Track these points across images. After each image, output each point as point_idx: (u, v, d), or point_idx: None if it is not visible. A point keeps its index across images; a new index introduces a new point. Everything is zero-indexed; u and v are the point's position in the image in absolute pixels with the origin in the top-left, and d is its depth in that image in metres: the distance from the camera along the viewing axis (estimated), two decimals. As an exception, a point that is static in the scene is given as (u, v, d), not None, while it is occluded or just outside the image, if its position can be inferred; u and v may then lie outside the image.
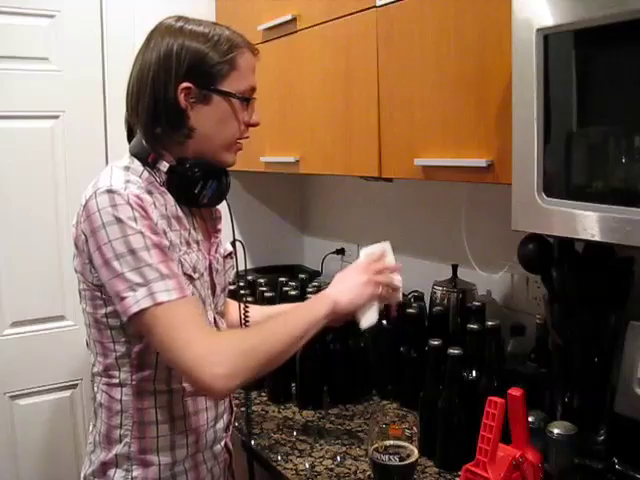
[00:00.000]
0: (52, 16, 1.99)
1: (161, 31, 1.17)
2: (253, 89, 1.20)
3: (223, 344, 1.07)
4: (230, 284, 1.43)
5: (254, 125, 1.23)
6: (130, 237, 1.04)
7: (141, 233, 1.05)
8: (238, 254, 1.37)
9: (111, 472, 1.17)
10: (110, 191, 1.06)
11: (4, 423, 2.04)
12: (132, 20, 2.10)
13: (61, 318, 2.08)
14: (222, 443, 1.29)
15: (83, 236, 1.09)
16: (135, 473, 1.16)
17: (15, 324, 2.04)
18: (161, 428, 1.17)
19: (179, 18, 1.19)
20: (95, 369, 1.20)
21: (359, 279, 1.27)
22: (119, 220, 1.05)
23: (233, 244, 1.36)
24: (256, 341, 1.12)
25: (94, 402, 1.22)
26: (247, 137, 1.23)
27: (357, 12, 1.57)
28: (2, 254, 1.99)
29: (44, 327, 2.07)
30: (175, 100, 1.13)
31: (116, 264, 1.04)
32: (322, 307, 1.20)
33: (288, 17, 1.81)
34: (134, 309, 1.03)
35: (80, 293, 1.18)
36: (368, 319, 1.29)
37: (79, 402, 2.15)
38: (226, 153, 1.21)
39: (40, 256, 2.02)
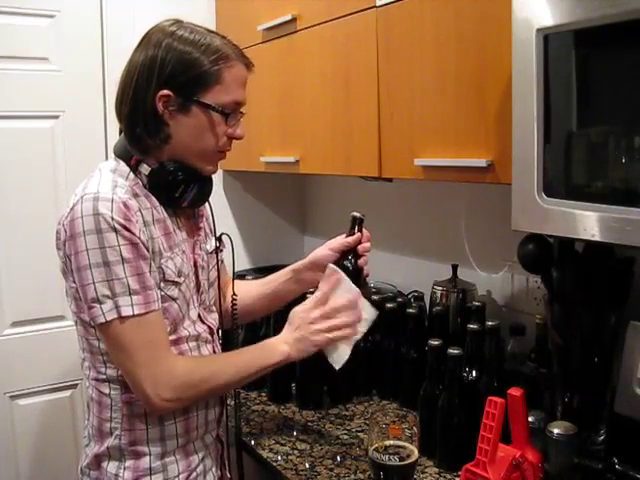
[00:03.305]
0: (52, 16, 1.99)
1: (153, 34, 1.18)
2: (238, 103, 1.20)
3: (174, 371, 1.13)
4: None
5: (237, 138, 1.22)
6: (107, 249, 1.07)
7: (117, 246, 1.08)
8: (227, 248, 1.40)
9: (104, 464, 1.21)
10: (96, 199, 1.09)
11: (4, 423, 2.04)
12: (132, 20, 2.09)
13: (61, 318, 2.08)
14: (213, 434, 1.31)
15: (63, 237, 1.13)
16: (127, 464, 1.19)
17: (15, 324, 2.03)
18: (150, 420, 1.19)
19: (175, 22, 1.19)
20: (85, 364, 1.23)
21: (308, 329, 1.26)
22: (99, 231, 1.07)
23: (219, 238, 1.37)
24: (205, 374, 1.18)
25: (87, 397, 1.25)
26: (228, 149, 1.23)
27: (357, 12, 1.57)
28: (2, 254, 1.99)
29: (44, 327, 2.07)
30: (153, 107, 1.14)
31: (88, 273, 1.08)
32: (274, 357, 1.25)
33: (288, 17, 1.81)
34: (100, 320, 1.09)
35: (66, 292, 1.22)
36: (337, 360, 1.31)
37: (79, 402, 2.14)
38: (203, 163, 1.21)
39: (40, 256, 2.01)
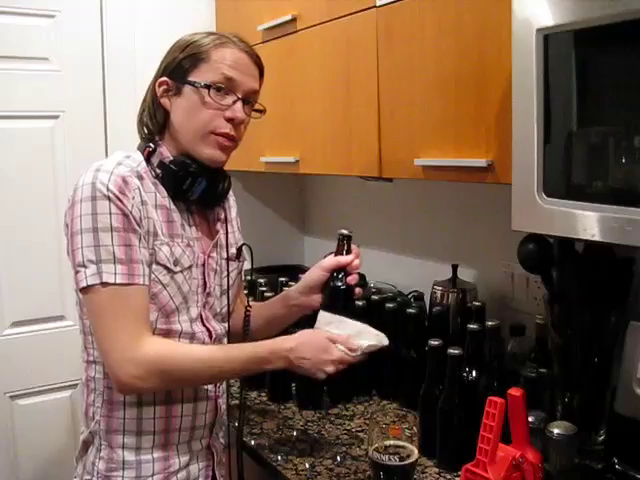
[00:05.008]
0: (52, 16, 1.99)
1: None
2: (230, 80, 1.18)
3: (146, 346, 1.11)
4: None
5: (232, 120, 1.20)
6: (98, 215, 1.10)
7: (108, 214, 1.10)
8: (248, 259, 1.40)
9: (90, 449, 1.23)
10: (98, 170, 1.13)
11: (4, 423, 2.04)
12: (132, 20, 2.10)
13: (61, 318, 2.08)
14: (203, 442, 1.28)
15: (66, 209, 1.15)
16: (102, 453, 1.20)
17: (15, 324, 2.03)
18: (128, 410, 1.19)
19: (193, 34, 1.23)
20: (81, 348, 1.24)
21: (321, 358, 1.21)
22: (93, 198, 1.10)
23: (239, 248, 1.37)
24: (178, 356, 1.15)
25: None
26: (227, 133, 1.20)
27: (357, 12, 1.57)
28: (2, 254, 1.99)
29: (44, 327, 2.07)
30: (154, 94, 1.21)
31: (78, 238, 1.10)
32: (272, 365, 1.21)
33: (288, 17, 1.81)
34: (82, 284, 1.10)
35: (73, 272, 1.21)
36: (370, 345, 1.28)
37: (79, 402, 2.13)
38: (201, 145, 1.20)
39: (40, 256, 2.02)
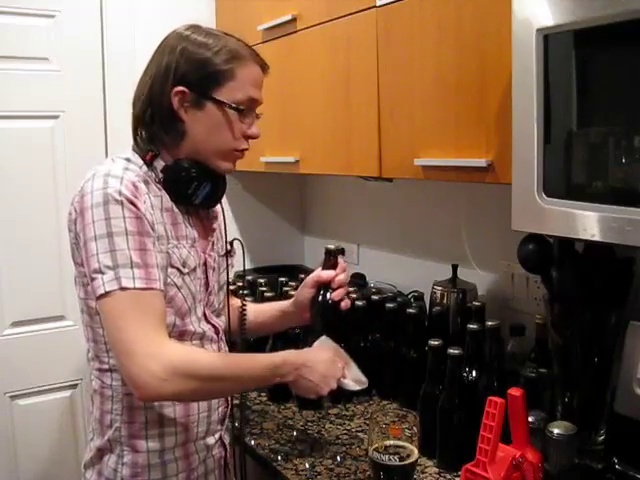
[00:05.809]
0: (52, 16, 1.99)
1: (170, 38, 1.21)
2: (252, 100, 1.20)
3: (166, 351, 1.08)
4: (230, 284, 1.44)
5: (251, 137, 1.23)
6: (112, 220, 1.08)
7: (123, 218, 1.09)
8: (238, 253, 1.40)
9: (106, 457, 1.21)
10: (107, 175, 1.12)
11: (4, 423, 2.04)
12: (132, 20, 2.10)
13: (61, 318, 2.08)
14: (216, 436, 1.30)
15: (74, 215, 1.14)
16: (126, 459, 1.19)
17: (15, 324, 2.04)
18: (149, 414, 1.19)
19: (190, 27, 1.21)
20: (89, 355, 1.23)
21: (331, 373, 1.28)
22: (106, 203, 1.09)
23: (231, 243, 1.38)
24: (197, 362, 1.12)
25: (91, 390, 1.25)
26: (246, 149, 1.23)
27: (357, 12, 1.57)
28: (2, 254, 1.99)
29: (44, 327, 2.07)
30: (169, 103, 1.17)
31: (93, 245, 1.08)
32: (283, 373, 1.25)
33: (288, 17, 1.81)
34: (100, 290, 1.07)
35: (75, 280, 1.20)
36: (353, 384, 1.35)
37: (79, 402, 2.15)
38: (220, 161, 1.22)
39: (40, 256, 2.02)
